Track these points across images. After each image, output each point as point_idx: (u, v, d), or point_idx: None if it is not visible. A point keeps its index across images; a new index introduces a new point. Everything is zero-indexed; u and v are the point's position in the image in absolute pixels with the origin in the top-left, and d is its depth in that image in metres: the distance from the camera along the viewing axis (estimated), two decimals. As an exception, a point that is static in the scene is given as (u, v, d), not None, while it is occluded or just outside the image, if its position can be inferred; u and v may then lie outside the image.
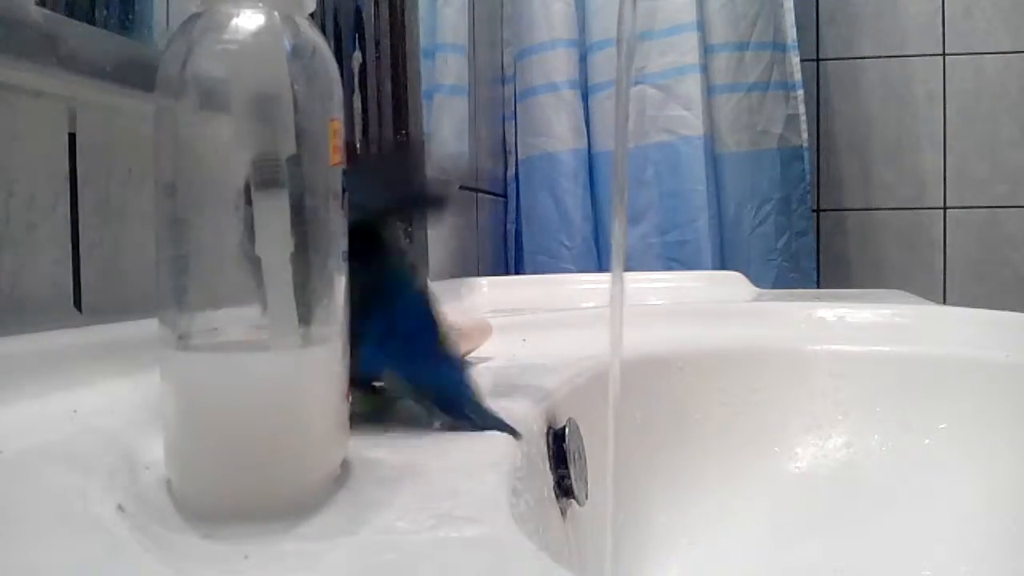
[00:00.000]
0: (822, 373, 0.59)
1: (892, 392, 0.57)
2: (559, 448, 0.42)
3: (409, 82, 0.45)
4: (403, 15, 0.44)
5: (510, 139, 1.45)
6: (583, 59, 1.39)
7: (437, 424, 0.35)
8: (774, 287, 1.28)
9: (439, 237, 0.93)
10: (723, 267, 1.30)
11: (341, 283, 0.27)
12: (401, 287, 0.36)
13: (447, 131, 1.16)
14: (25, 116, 0.41)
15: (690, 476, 0.55)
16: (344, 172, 0.27)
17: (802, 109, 1.42)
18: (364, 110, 0.43)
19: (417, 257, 0.37)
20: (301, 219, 0.26)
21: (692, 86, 1.33)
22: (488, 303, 0.82)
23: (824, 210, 1.70)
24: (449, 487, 0.28)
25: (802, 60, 1.42)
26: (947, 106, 1.65)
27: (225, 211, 0.26)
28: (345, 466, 0.29)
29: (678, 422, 0.57)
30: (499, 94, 1.45)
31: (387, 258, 0.35)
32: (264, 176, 0.25)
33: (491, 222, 1.41)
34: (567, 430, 0.42)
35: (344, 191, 0.28)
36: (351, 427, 0.29)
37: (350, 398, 0.29)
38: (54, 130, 0.43)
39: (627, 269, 0.39)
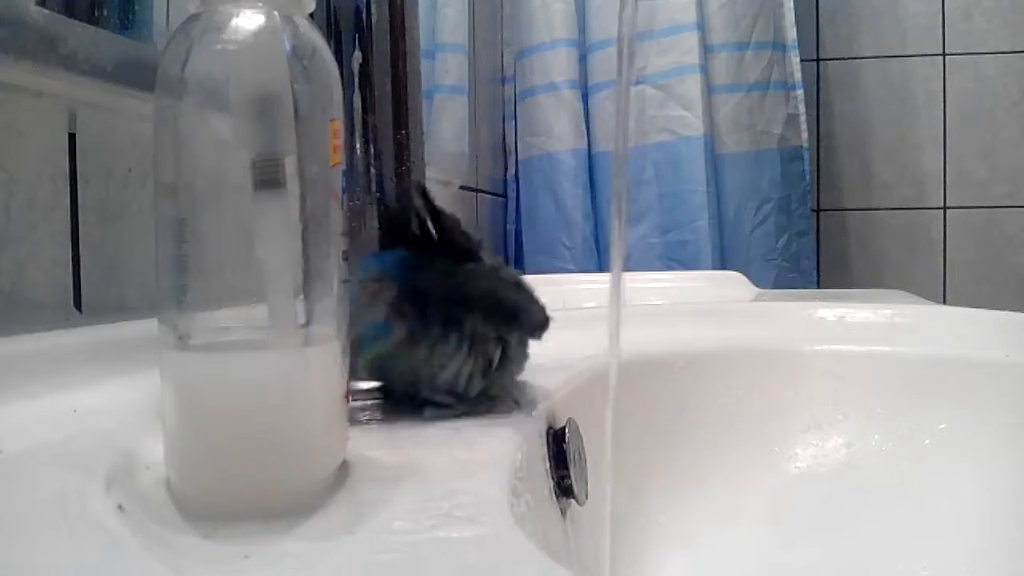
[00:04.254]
0: (822, 373, 0.59)
1: (892, 392, 0.57)
2: (559, 448, 0.42)
3: (409, 82, 0.44)
4: (403, 15, 0.44)
5: (510, 139, 1.45)
6: (583, 59, 1.39)
7: (427, 414, 0.36)
8: (774, 287, 1.28)
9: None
10: (723, 267, 1.30)
11: (341, 283, 0.27)
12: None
13: (447, 131, 1.16)
14: (25, 116, 0.41)
15: (690, 476, 0.55)
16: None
17: (802, 109, 1.42)
18: (364, 110, 0.43)
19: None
20: (301, 219, 0.26)
21: (692, 86, 1.33)
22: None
23: (824, 210, 1.70)
24: (449, 487, 0.28)
25: (802, 60, 1.42)
26: (947, 106, 1.65)
27: (225, 211, 0.26)
28: (345, 466, 0.29)
29: (678, 422, 0.57)
30: (499, 94, 1.45)
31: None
32: (264, 176, 0.25)
33: (491, 222, 1.41)
34: (567, 430, 0.42)
35: (344, 191, 0.28)
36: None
37: (350, 398, 0.29)
38: (54, 130, 0.43)
39: (627, 269, 0.39)
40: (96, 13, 0.48)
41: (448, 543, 0.23)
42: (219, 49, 0.25)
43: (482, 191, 1.34)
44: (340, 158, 0.27)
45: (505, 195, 1.46)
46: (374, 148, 0.44)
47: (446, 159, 1.11)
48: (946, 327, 0.62)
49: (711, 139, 1.34)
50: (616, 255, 0.38)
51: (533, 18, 1.38)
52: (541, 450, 0.40)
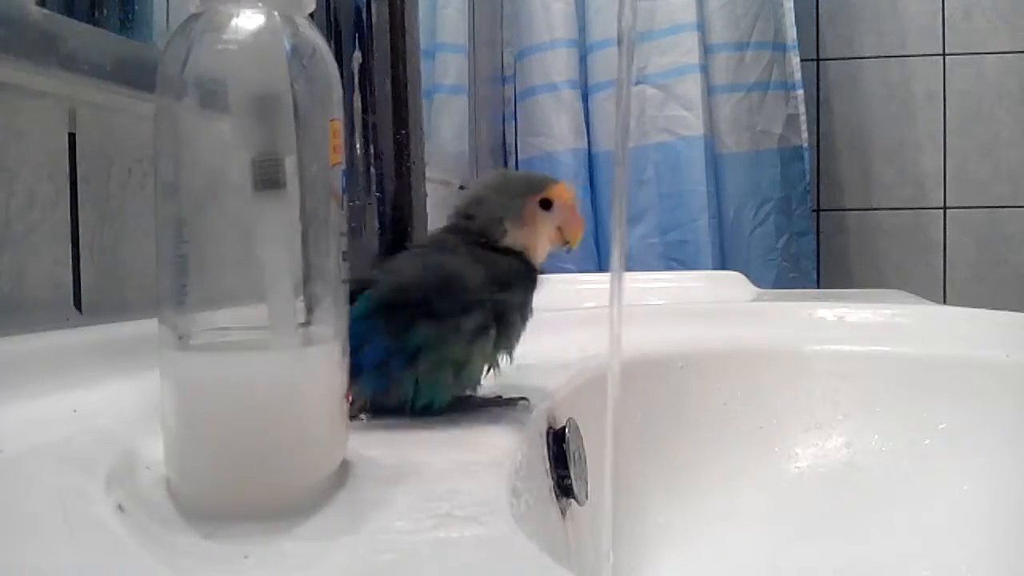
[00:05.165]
0: (822, 373, 0.59)
1: (892, 392, 0.57)
2: (559, 448, 0.42)
3: (409, 82, 0.44)
4: (403, 15, 0.44)
5: (510, 139, 1.45)
6: (583, 59, 1.39)
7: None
8: (774, 287, 1.28)
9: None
10: (723, 267, 1.29)
11: (341, 283, 0.27)
12: None
13: (447, 131, 1.16)
14: (25, 116, 0.41)
15: (690, 476, 0.55)
16: None
17: (802, 109, 1.42)
18: (364, 110, 0.43)
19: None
20: (301, 219, 0.26)
21: (692, 86, 1.32)
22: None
23: (824, 210, 1.70)
24: (449, 487, 0.28)
25: (802, 60, 1.42)
26: (947, 106, 1.65)
27: (225, 211, 0.26)
28: (345, 466, 0.29)
29: (678, 422, 0.57)
30: (499, 94, 1.45)
31: None
32: (264, 176, 0.25)
33: (491, 222, 1.40)
34: (567, 430, 0.42)
35: (344, 191, 0.28)
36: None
37: (350, 398, 0.29)
38: (54, 130, 0.43)
39: (627, 269, 0.39)
40: (96, 13, 0.48)
41: (448, 543, 0.23)
42: (219, 49, 0.25)
43: (482, 191, 1.34)
44: (340, 158, 0.27)
45: (505, 195, 1.45)
46: (374, 148, 0.44)
47: (446, 159, 1.11)
48: (946, 327, 0.62)
49: (711, 139, 1.34)
50: (616, 255, 0.38)
51: (533, 18, 1.38)
52: (541, 450, 0.40)
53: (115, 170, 0.47)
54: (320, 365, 0.27)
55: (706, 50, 1.34)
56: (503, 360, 0.38)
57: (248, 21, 0.25)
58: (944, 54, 1.64)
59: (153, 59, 0.26)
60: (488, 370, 0.38)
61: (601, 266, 1.33)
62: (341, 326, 0.27)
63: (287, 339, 0.26)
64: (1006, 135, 1.63)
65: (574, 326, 0.57)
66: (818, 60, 1.68)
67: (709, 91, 1.35)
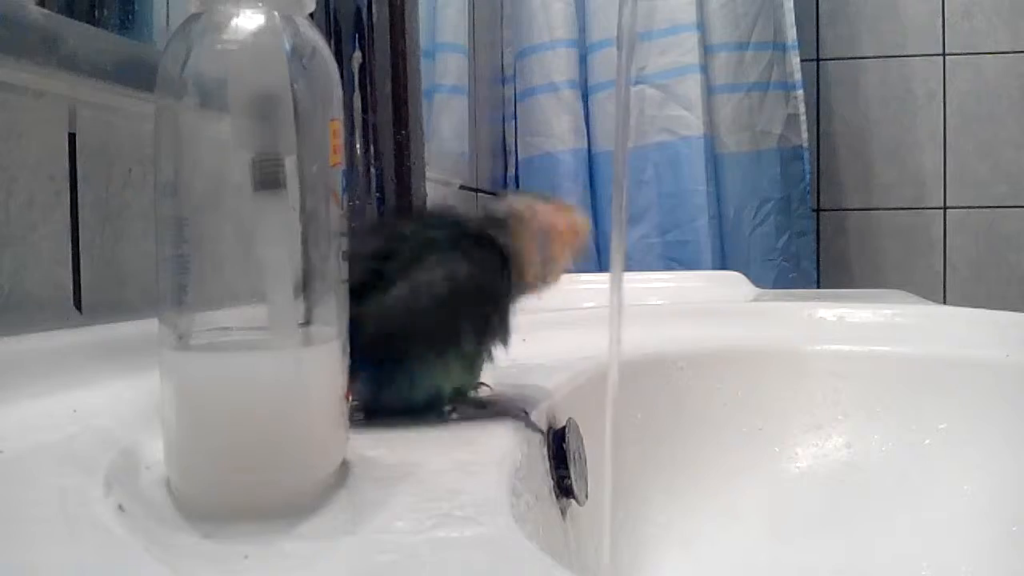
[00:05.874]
0: (822, 373, 0.59)
1: (892, 392, 0.57)
2: (559, 448, 0.42)
3: (409, 82, 0.44)
4: (403, 15, 0.44)
5: (510, 139, 1.45)
6: (583, 59, 1.39)
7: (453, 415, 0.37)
8: (774, 287, 1.28)
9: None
10: (723, 267, 1.30)
11: (341, 283, 0.27)
12: None
13: (447, 131, 1.16)
14: (25, 116, 0.41)
15: (690, 476, 0.55)
16: None
17: (802, 109, 1.42)
18: (364, 110, 0.43)
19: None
20: (301, 219, 0.26)
21: (692, 86, 1.33)
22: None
23: (824, 210, 1.70)
24: (449, 487, 0.28)
25: (802, 60, 1.42)
26: (947, 106, 1.65)
27: (225, 211, 0.26)
28: (345, 466, 0.29)
29: (678, 422, 0.57)
30: (499, 94, 1.45)
31: None
32: (264, 176, 0.25)
33: (491, 222, 1.40)
34: (567, 430, 0.42)
35: (344, 191, 0.28)
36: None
37: (350, 398, 0.29)
38: (54, 130, 0.43)
39: (627, 269, 0.39)
40: (96, 13, 0.48)
41: (448, 543, 0.23)
42: (219, 49, 0.25)
43: (482, 191, 1.34)
44: (340, 158, 0.27)
45: (505, 195, 1.46)
46: (374, 148, 0.44)
47: (446, 159, 1.11)
48: (946, 327, 0.62)
49: (711, 139, 1.34)
50: (616, 255, 0.38)
51: (533, 18, 1.38)
52: (541, 450, 0.40)
53: (115, 170, 0.47)
54: (320, 365, 0.27)
55: (706, 50, 1.34)
56: (497, 351, 0.38)
57: (248, 21, 0.25)
58: (944, 54, 1.64)
59: (153, 59, 0.26)
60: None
61: (601, 266, 1.33)
62: (341, 326, 0.27)
63: (287, 339, 0.26)
64: (1006, 135, 1.63)
65: (574, 326, 0.57)
66: (818, 60, 1.68)
67: (709, 91, 1.35)
